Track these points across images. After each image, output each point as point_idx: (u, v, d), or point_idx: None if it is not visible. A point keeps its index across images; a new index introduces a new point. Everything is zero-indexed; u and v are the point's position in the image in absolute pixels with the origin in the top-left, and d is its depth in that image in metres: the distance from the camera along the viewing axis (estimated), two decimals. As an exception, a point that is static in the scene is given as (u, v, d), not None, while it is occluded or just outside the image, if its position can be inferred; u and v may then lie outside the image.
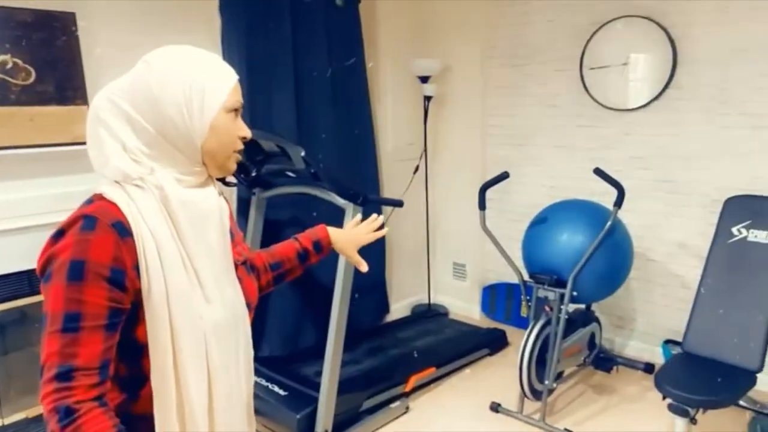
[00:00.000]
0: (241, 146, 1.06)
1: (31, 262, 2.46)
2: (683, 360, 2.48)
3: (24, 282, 2.49)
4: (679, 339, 2.67)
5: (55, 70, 2.50)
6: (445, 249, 4.30)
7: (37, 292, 2.52)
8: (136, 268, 0.92)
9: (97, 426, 0.87)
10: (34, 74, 2.45)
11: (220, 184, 1.31)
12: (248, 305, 1.13)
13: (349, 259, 1.44)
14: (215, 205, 1.04)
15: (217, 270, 1.03)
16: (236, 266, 1.11)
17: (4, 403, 2.50)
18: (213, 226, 1.03)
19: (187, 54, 1.01)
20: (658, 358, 3.32)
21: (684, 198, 3.16)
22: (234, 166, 1.07)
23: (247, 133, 1.06)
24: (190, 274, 0.97)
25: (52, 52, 2.49)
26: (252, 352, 1.14)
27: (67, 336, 0.88)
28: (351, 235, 1.45)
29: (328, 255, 1.43)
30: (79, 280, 0.88)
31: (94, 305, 0.89)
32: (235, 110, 1.04)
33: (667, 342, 3.24)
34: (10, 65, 2.39)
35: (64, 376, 0.87)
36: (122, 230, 0.92)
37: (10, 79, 2.39)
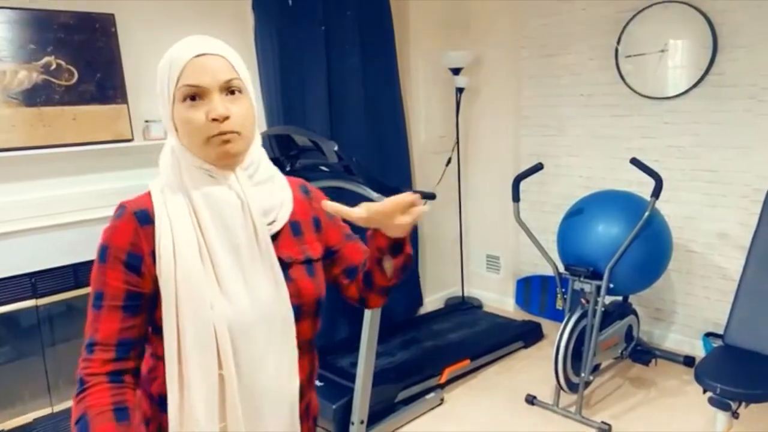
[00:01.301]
0: (214, 130, 0.95)
1: (74, 257, 2.56)
2: (725, 353, 2.43)
3: (69, 276, 2.59)
4: (720, 331, 2.61)
5: (96, 70, 2.58)
6: (478, 241, 4.28)
7: (82, 286, 2.62)
8: (153, 254, 0.97)
9: (96, 400, 0.92)
10: (76, 75, 2.54)
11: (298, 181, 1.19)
12: (299, 307, 1.05)
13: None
14: (235, 199, 0.99)
15: (246, 266, 0.99)
16: (290, 265, 1.06)
17: (54, 392, 2.61)
18: (238, 221, 0.99)
19: (171, 50, 0.99)
20: (698, 351, 3.25)
21: (724, 188, 3.08)
22: (222, 151, 0.96)
23: (218, 112, 0.94)
24: (207, 265, 0.97)
25: (92, 52, 2.57)
26: (296, 353, 1.05)
27: (93, 312, 0.97)
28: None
29: (386, 240, 1.07)
30: (103, 263, 0.97)
31: (112, 287, 0.96)
32: (191, 97, 0.95)
33: (708, 335, 3.17)
34: (54, 66, 2.48)
35: (88, 348, 0.95)
36: (144, 218, 0.97)
37: (54, 80, 2.48)
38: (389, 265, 1.10)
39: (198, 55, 0.95)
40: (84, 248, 2.57)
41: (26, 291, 2.48)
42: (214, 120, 0.94)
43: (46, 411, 2.59)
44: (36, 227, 2.44)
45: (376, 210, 0.99)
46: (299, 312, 1.05)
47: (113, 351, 0.95)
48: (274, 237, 1.05)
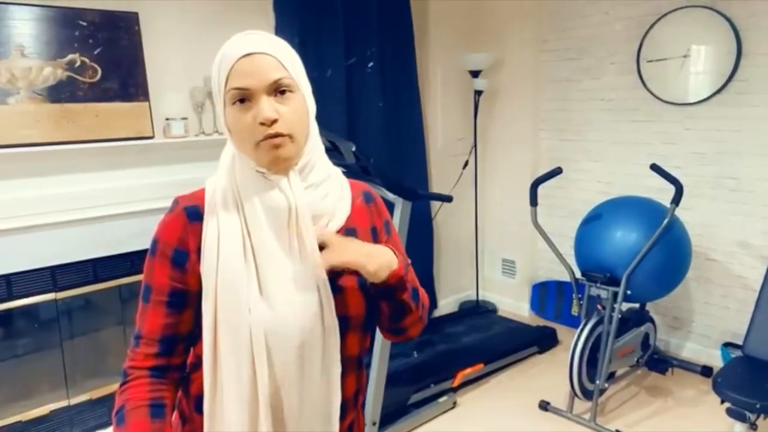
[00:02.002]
0: (262, 133, 0.90)
1: (94, 251, 2.60)
2: (744, 363, 2.39)
3: (89, 270, 2.62)
4: (739, 342, 2.57)
5: (119, 68, 2.62)
6: (494, 245, 4.26)
7: (101, 280, 2.66)
8: (199, 251, 0.95)
9: (135, 394, 0.93)
10: (100, 72, 2.57)
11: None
12: (346, 319, 0.99)
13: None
14: (284, 202, 0.94)
15: (290, 273, 0.94)
16: (339, 274, 0.99)
17: (71, 385, 2.65)
18: (285, 225, 0.94)
19: (223, 47, 0.94)
20: (716, 361, 3.20)
21: (746, 196, 3.03)
22: (273, 156, 0.92)
23: (265, 115, 0.89)
24: (250, 266, 0.93)
25: (116, 50, 2.61)
26: (338, 368, 0.99)
27: (142, 305, 0.97)
28: None
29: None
30: (152, 256, 0.97)
31: (158, 281, 0.96)
32: (239, 99, 0.91)
33: (727, 345, 3.13)
34: (78, 63, 2.52)
35: (135, 340, 0.97)
36: (193, 214, 0.96)
37: (78, 77, 2.52)
38: (388, 307, 1.03)
39: (245, 55, 0.90)
40: (104, 244, 2.61)
41: (47, 284, 2.52)
42: (262, 124, 0.90)
43: (62, 404, 2.63)
44: (57, 222, 2.47)
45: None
46: (346, 325, 0.99)
47: (156, 346, 0.95)
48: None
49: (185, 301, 0.97)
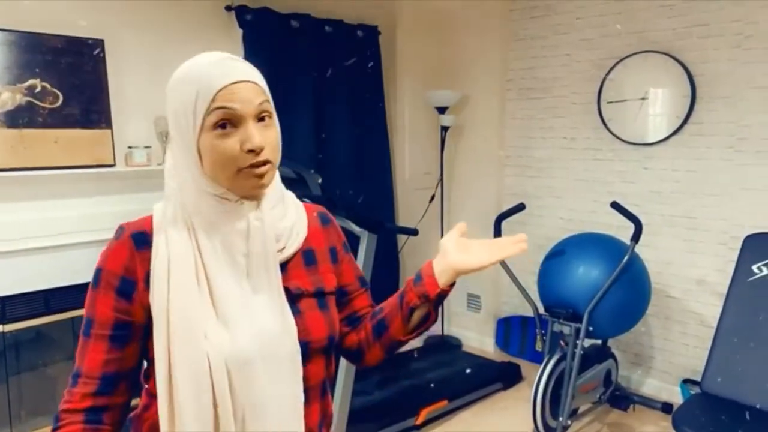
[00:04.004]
0: (248, 161, 0.88)
1: (47, 282, 2.50)
2: (702, 400, 2.42)
3: (40, 301, 2.52)
4: (698, 378, 2.60)
5: (82, 94, 2.57)
6: (459, 280, 4.23)
7: (53, 312, 2.55)
8: (147, 280, 0.90)
9: None
10: (61, 98, 2.52)
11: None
12: (307, 344, 0.96)
13: (475, 270, 1.03)
14: (243, 223, 0.92)
15: (249, 295, 0.92)
16: (299, 297, 0.97)
17: (15, 422, 2.51)
18: (243, 246, 0.92)
19: (191, 63, 0.91)
20: (677, 398, 3.24)
21: (702, 234, 3.12)
22: (257, 183, 0.90)
23: (256, 143, 0.87)
24: (203, 291, 0.89)
25: (79, 76, 2.56)
26: (301, 396, 0.95)
27: (83, 339, 0.92)
28: (462, 251, 1.04)
29: (438, 288, 1.03)
30: (95, 288, 0.92)
31: (101, 314, 0.91)
32: (221, 124, 0.87)
33: (686, 381, 3.17)
34: (38, 89, 2.46)
35: (73, 378, 0.91)
36: (141, 241, 0.92)
37: (38, 102, 2.46)
38: (419, 314, 1.02)
39: (233, 83, 0.88)
40: (56, 274, 2.52)
41: (-7, 316, 2.40)
42: (250, 151, 0.87)
43: (5, 442, 2.49)
44: (8, 251, 2.38)
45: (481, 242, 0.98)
46: (307, 350, 0.96)
47: (97, 384, 0.90)
48: (283, 265, 0.97)
49: (130, 334, 0.91)
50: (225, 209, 0.91)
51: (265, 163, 0.89)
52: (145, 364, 0.96)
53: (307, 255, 1.02)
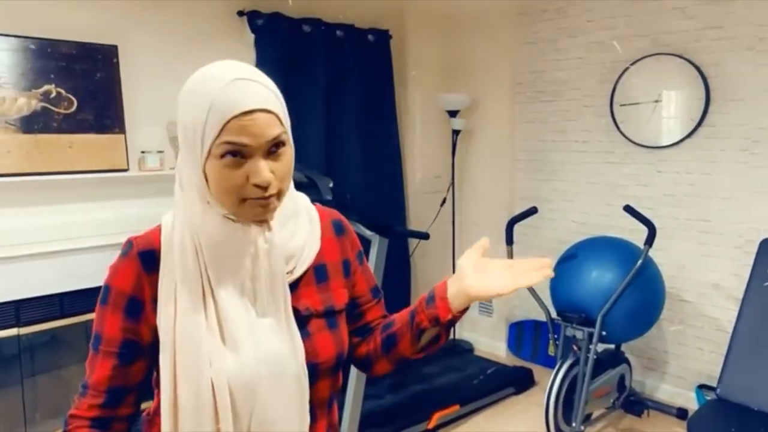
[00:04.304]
0: (253, 194, 0.85)
1: (61, 286, 2.52)
2: (717, 406, 2.39)
3: (55, 305, 2.54)
4: (714, 384, 2.57)
5: (96, 99, 2.60)
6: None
7: (67, 315, 2.58)
8: (155, 300, 0.90)
9: None
10: (75, 103, 2.55)
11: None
12: (316, 366, 0.95)
13: (492, 297, 0.96)
14: (251, 245, 0.90)
15: (256, 318, 0.91)
16: (308, 318, 0.96)
17: (30, 424, 2.53)
18: (250, 267, 0.90)
19: (206, 77, 0.85)
20: (692, 404, 3.20)
21: (717, 238, 3.09)
22: (259, 213, 0.88)
23: (264, 179, 0.84)
24: (210, 317, 0.88)
25: (93, 82, 2.59)
26: (307, 417, 0.94)
27: (92, 352, 0.93)
28: (482, 271, 0.98)
29: (450, 313, 0.97)
30: (104, 305, 0.92)
31: (110, 332, 0.91)
32: (232, 154, 0.83)
33: (701, 387, 3.13)
34: (53, 95, 2.49)
35: (83, 388, 0.93)
36: (149, 261, 0.91)
37: (53, 108, 2.49)
38: (428, 336, 1.00)
39: (246, 113, 0.82)
40: (71, 278, 2.54)
41: (9, 319, 2.43)
42: (257, 186, 0.84)
43: (20, 445, 2.51)
44: (23, 254, 2.40)
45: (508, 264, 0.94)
46: (315, 371, 0.95)
47: (103, 397, 0.91)
48: (294, 284, 0.95)
49: (137, 352, 0.92)
50: (232, 230, 0.89)
51: (271, 196, 0.87)
52: (154, 373, 0.96)
53: (318, 271, 1.00)
